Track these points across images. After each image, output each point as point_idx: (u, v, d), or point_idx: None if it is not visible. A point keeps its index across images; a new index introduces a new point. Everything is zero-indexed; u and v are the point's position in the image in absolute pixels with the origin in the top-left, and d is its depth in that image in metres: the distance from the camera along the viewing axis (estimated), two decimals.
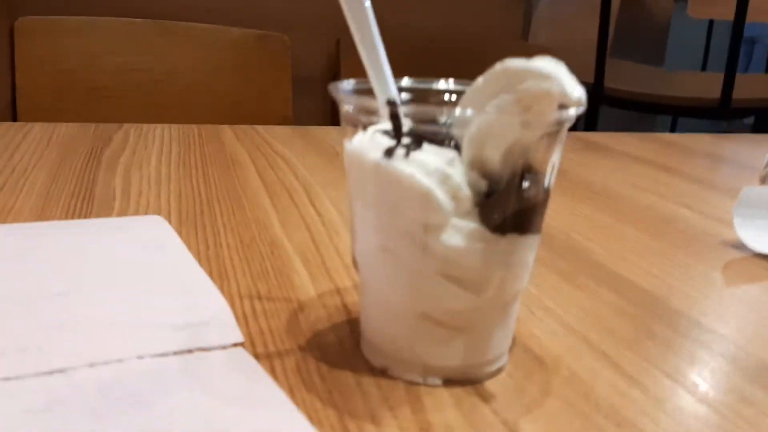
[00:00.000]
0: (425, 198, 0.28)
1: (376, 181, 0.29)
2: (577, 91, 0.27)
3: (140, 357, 0.32)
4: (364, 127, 0.30)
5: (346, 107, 0.31)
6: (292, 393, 0.30)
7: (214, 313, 0.36)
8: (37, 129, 0.79)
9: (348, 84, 0.32)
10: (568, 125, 0.30)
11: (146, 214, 0.52)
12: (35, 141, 0.73)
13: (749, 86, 1.80)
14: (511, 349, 0.35)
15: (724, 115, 1.50)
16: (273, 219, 0.53)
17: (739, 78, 1.70)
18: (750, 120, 1.83)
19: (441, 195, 0.28)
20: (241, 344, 0.34)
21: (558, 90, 0.26)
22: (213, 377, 0.31)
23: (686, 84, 1.92)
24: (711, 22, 2.87)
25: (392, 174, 0.29)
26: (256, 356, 0.33)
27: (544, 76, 0.27)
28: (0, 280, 0.38)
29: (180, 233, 0.48)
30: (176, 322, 0.35)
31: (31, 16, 1.43)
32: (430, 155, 0.29)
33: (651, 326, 0.39)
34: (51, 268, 0.40)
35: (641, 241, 0.53)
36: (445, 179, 0.29)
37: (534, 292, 0.42)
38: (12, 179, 0.59)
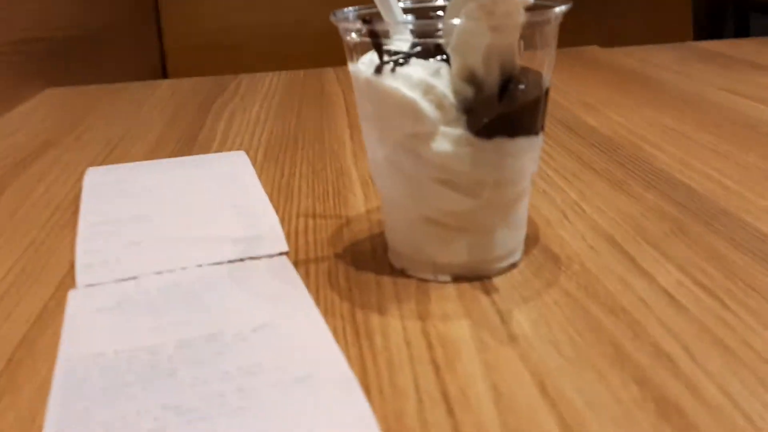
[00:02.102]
0: (410, 109, 0.31)
1: (369, 96, 0.32)
2: None
3: (200, 265, 0.38)
4: (364, 51, 0.33)
5: (349, 33, 0.34)
6: (317, 291, 0.34)
7: (266, 229, 0.41)
8: (165, 85, 0.88)
9: (348, 11, 0.34)
10: (551, 26, 0.31)
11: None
12: (161, 96, 0.82)
13: None
14: (529, 248, 0.37)
15: None
16: (347, 150, 0.57)
17: None
18: None
19: (425, 105, 0.31)
20: (286, 254, 0.39)
21: None
22: (252, 279, 0.36)
23: None
24: None
25: (380, 89, 0.31)
26: (296, 263, 0.38)
27: None
28: (95, 209, 0.46)
29: (262, 165, 0.54)
30: (233, 237, 0.40)
31: None
32: (415, 68, 0.31)
33: (686, 225, 0.38)
34: (137, 197, 0.47)
35: (714, 146, 0.51)
36: (429, 89, 0.31)
37: (574, 198, 0.43)
38: (133, 129, 0.68)
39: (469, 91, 0.31)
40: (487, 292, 0.33)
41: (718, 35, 1.65)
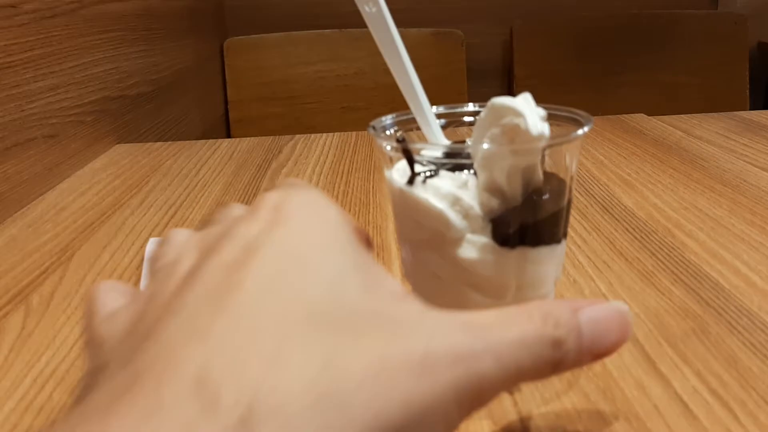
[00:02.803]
0: (438, 218, 0.33)
1: (403, 203, 0.35)
2: (536, 129, 0.30)
3: None
4: (398, 159, 0.36)
5: (384, 147, 0.36)
6: None
7: None
8: (225, 145, 0.93)
9: (386, 119, 0.37)
10: (573, 146, 0.33)
11: None
12: (220, 156, 0.87)
13: None
14: None
15: None
16: (390, 225, 0.60)
17: None
18: None
19: (452, 215, 0.33)
20: None
21: (524, 126, 0.30)
22: None
23: None
24: None
25: (412, 198, 0.34)
26: None
27: (517, 113, 0.30)
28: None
29: None
30: None
31: (237, 36, 1.63)
32: (444, 181, 0.34)
33: (707, 325, 0.40)
34: None
35: (746, 236, 0.52)
36: (456, 201, 0.33)
37: (602, 289, 0.45)
38: (194, 193, 0.72)
39: (494, 203, 0.34)
40: (511, 391, 0.35)
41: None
